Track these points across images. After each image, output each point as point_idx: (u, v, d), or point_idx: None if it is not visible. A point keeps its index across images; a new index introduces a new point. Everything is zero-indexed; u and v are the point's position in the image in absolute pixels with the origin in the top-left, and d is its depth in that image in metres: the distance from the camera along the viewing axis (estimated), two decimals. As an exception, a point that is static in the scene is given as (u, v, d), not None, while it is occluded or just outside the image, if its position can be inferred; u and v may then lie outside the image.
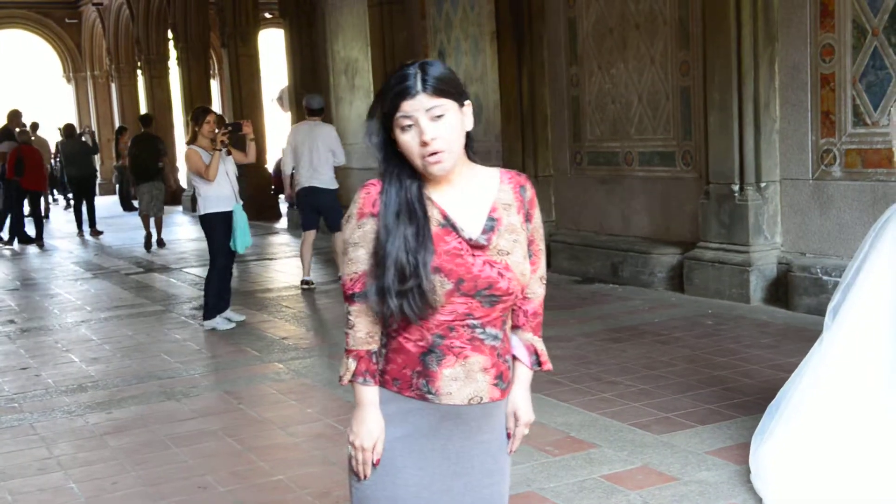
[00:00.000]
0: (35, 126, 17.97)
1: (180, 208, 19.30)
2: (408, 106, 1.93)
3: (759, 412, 4.03)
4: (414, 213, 1.96)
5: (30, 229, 14.86)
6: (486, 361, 2.02)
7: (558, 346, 6.03)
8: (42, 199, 16.58)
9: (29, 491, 4.19)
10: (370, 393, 2.04)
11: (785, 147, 7.13)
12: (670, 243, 8.10)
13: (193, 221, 14.93)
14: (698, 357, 5.70)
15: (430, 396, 2.00)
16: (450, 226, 1.99)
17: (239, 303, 8.16)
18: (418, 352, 2.00)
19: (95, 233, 15.46)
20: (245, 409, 5.28)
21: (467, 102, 2.00)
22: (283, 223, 15.71)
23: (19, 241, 14.68)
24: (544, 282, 2.18)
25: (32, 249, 14.19)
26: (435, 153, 1.94)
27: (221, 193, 7.22)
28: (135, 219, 15.86)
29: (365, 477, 2.06)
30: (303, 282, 9.10)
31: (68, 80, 27.13)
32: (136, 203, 15.07)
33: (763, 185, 7.19)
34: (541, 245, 2.12)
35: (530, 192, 2.10)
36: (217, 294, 7.42)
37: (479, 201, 2.03)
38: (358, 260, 2.01)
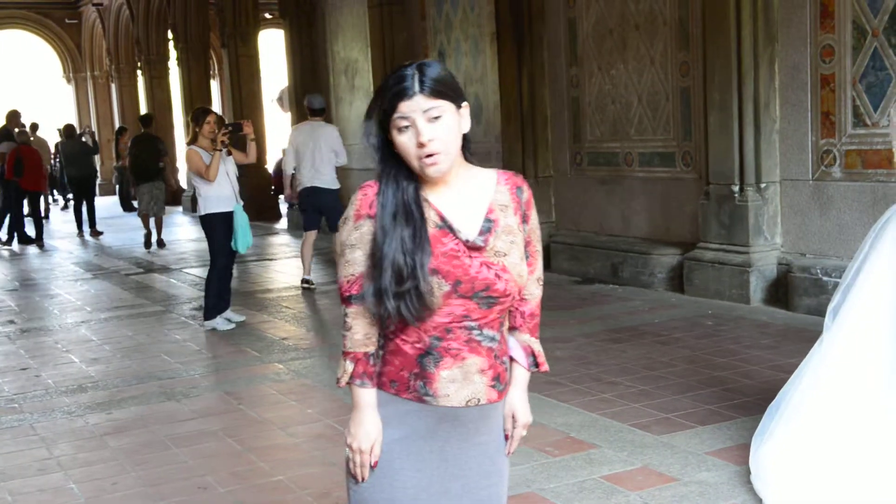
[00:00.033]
0: (35, 126, 18.00)
1: (180, 209, 19.30)
2: (405, 107, 1.92)
3: (759, 413, 4.03)
4: (411, 214, 1.96)
5: (29, 230, 14.86)
6: (484, 363, 2.01)
7: (558, 346, 6.04)
8: (42, 199, 16.59)
9: (29, 491, 4.19)
10: (368, 395, 2.03)
11: (785, 147, 7.12)
12: (670, 244, 8.10)
13: (193, 222, 14.93)
14: (698, 358, 5.70)
15: (427, 398, 2.00)
16: (447, 227, 1.98)
17: (239, 303, 8.16)
18: (415, 354, 2.00)
19: (95, 233, 15.46)
20: (245, 409, 5.28)
21: (465, 104, 1.99)
22: (283, 223, 15.71)
23: (19, 242, 14.69)
24: (541, 283, 2.17)
25: (32, 250, 14.19)
26: (431, 154, 1.93)
27: (222, 194, 7.23)
28: (135, 219, 15.87)
29: (363, 479, 2.05)
30: (303, 281, 9.10)
31: (68, 81, 27.12)
32: (135, 203, 15.07)
33: (763, 185, 7.18)
34: (538, 246, 2.11)
35: (527, 193, 2.09)
36: (217, 294, 7.42)
37: (476, 203, 2.03)
38: (355, 262, 2.01)
